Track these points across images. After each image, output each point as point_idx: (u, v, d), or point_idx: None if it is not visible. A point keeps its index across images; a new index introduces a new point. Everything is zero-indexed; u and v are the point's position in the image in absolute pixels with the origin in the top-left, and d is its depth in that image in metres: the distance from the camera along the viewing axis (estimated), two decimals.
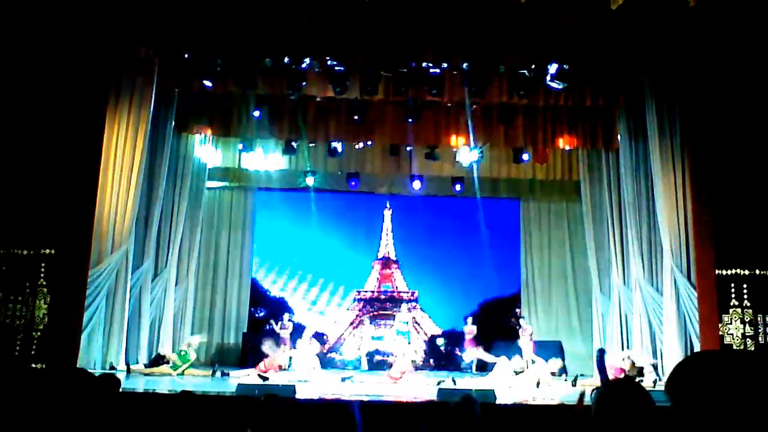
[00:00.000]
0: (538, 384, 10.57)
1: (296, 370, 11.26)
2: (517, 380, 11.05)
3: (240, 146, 14.15)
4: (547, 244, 15.76)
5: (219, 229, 15.42)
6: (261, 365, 11.42)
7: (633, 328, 12.40)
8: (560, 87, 10.95)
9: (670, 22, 9.51)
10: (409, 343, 13.43)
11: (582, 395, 2.34)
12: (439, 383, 10.48)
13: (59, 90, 10.11)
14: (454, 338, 16.48)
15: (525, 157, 13.79)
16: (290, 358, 11.85)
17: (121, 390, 7.78)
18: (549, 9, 8.56)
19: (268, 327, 14.25)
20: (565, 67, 10.90)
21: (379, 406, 7.26)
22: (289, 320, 13.95)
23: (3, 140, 9.99)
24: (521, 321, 14.13)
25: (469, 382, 11.22)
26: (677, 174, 11.30)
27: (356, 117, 12.49)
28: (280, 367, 11.60)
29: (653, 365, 11.49)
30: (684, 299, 11.01)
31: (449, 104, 12.64)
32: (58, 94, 10.10)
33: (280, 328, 13.63)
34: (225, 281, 15.31)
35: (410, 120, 12.42)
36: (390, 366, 12.26)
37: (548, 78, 10.86)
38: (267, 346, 11.70)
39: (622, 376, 11.12)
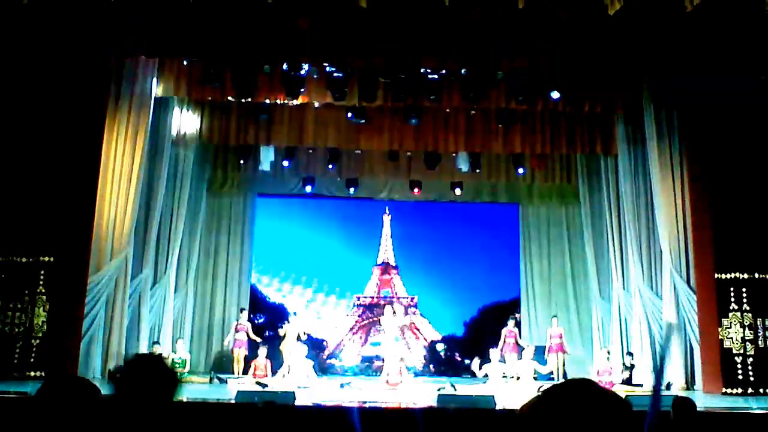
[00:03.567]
0: (539, 389, 10.53)
1: (293, 377, 11.22)
2: (517, 385, 11.03)
3: (240, 153, 14.17)
4: (546, 248, 15.75)
5: (218, 236, 15.41)
6: (253, 370, 11.50)
7: (633, 333, 12.39)
8: (559, 96, 11.13)
9: (667, 26, 9.53)
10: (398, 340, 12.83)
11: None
12: (439, 389, 10.46)
13: (58, 97, 10.12)
14: (454, 343, 16.46)
15: (520, 170, 13.94)
16: (288, 366, 11.71)
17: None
18: (548, 9, 8.56)
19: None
20: (564, 72, 10.96)
21: (379, 413, 7.24)
22: (248, 320, 13.17)
23: (2, 148, 9.99)
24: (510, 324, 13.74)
25: (469, 388, 11.20)
26: (676, 178, 11.32)
27: (355, 123, 12.52)
28: (271, 371, 11.57)
29: (630, 354, 11.83)
30: (683, 303, 11.01)
31: (448, 110, 12.66)
32: (56, 101, 10.11)
33: (236, 330, 12.88)
34: (224, 288, 15.27)
35: (411, 122, 12.44)
36: (379, 372, 12.21)
37: (551, 93, 11.04)
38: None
39: (611, 377, 11.16)
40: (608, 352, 11.86)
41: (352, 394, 9.84)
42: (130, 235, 11.30)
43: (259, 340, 12.65)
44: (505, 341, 12.95)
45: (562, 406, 1.32)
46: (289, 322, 12.36)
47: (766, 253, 10.23)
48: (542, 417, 1.33)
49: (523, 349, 12.07)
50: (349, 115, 12.28)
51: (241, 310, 13.64)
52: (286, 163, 14.22)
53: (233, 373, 12.31)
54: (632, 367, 11.65)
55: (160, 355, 2.00)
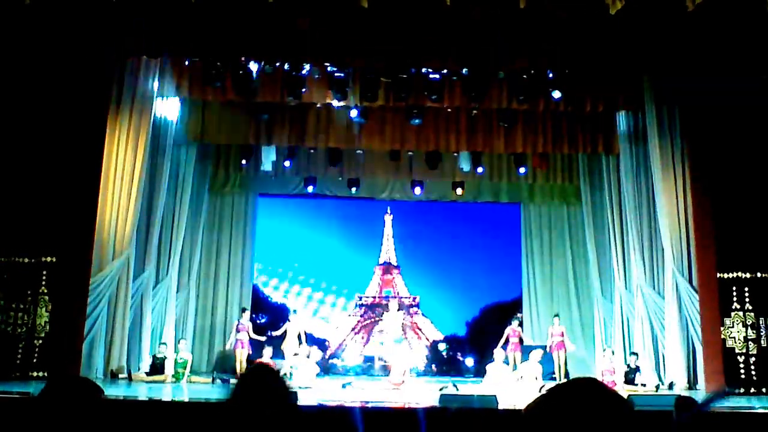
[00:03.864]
0: (541, 389, 10.54)
1: (296, 378, 11.21)
2: (519, 385, 11.03)
3: (241, 153, 14.18)
4: (548, 248, 15.75)
5: (220, 236, 15.42)
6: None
7: (635, 332, 12.38)
8: (560, 96, 11.12)
9: (668, 26, 9.52)
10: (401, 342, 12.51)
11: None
12: (441, 389, 10.46)
13: (59, 97, 10.12)
14: (456, 343, 16.46)
15: (522, 170, 13.93)
16: (291, 366, 11.70)
17: (122, 398, 7.79)
18: (549, 8, 8.56)
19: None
20: (566, 72, 10.96)
21: (381, 413, 7.24)
22: (250, 320, 12.99)
23: (4, 148, 10.00)
24: (514, 323, 13.67)
25: (471, 387, 11.20)
26: (678, 177, 11.30)
27: (357, 122, 12.54)
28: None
29: (634, 354, 11.68)
30: (686, 303, 11.00)
31: (449, 109, 12.66)
32: (58, 101, 10.11)
33: (237, 330, 12.60)
34: (226, 288, 15.29)
35: (414, 124, 12.44)
36: (388, 371, 12.12)
37: (552, 92, 11.03)
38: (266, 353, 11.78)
39: (613, 376, 11.13)
40: (612, 353, 11.84)
41: (354, 394, 9.85)
42: (132, 235, 11.31)
43: (262, 338, 12.60)
44: (508, 340, 12.90)
45: (566, 406, 1.33)
46: (289, 321, 12.35)
47: None
48: (546, 417, 1.33)
49: (531, 350, 12.06)
50: (355, 113, 12.27)
51: (243, 310, 13.61)
52: (287, 163, 14.22)
53: (236, 373, 12.31)
54: (637, 368, 11.55)
55: (272, 366, 1.98)
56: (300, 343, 12.07)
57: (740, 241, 10.25)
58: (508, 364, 12.16)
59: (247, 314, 13.13)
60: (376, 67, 11.08)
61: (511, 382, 11.19)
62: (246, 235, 15.70)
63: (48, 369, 9.56)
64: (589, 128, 13.04)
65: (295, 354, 11.75)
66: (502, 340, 12.82)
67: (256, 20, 9.93)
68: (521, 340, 13.14)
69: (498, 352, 11.75)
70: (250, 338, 12.67)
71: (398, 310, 12.13)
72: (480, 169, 14.09)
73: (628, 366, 11.63)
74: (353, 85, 11.35)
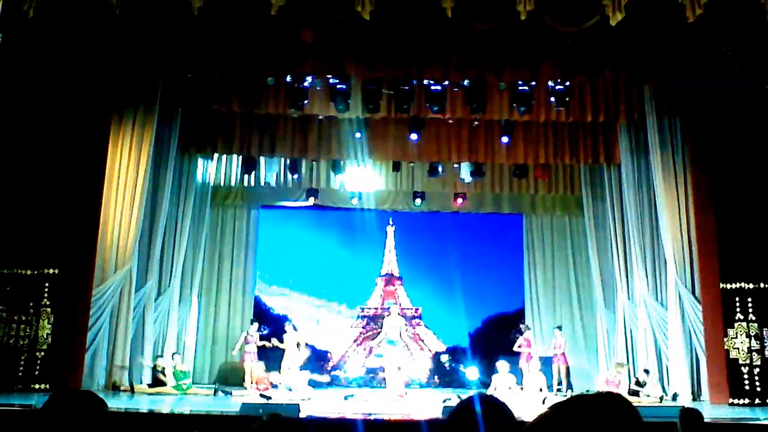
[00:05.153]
0: (544, 400, 10.49)
1: (293, 389, 11.17)
2: (521, 395, 10.99)
3: (243, 164, 14.21)
4: (550, 259, 15.73)
5: (222, 247, 15.42)
6: (254, 384, 11.47)
7: (638, 343, 12.33)
8: (563, 108, 11.14)
9: (670, 36, 9.55)
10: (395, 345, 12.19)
11: None
12: (444, 401, 10.41)
13: (63, 110, 10.16)
14: (459, 354, 16.40)
15: (524, 181, 13.95)
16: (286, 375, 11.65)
17: (124, 410, 7.77)
18: (549, 20, 8.59)
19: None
20: (566, 83, 10.98)
21: (383, 425, 7.22)
22: (258, 331, 12.96)
23: (7, 160, 10.04)
24: (522, 329, 13.59)
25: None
26: (680, 187, 11.30)
27: (358, 134, 12.59)
28: (271, 384, 11.54)
29: (646, 372, 11.44)
30: (689, 313, 10.96)
31: (451, 120, 12.69)
32: (61, 113, 10.16)
33: (245, 342, 12.58)
34: (228, 299, 15.27)
35: (412, 137, 12.48)
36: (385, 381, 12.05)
37: (553, 100, 11.05)
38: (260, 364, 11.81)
39: (617, 389, 11.03)
40: (621, 365, 11.68)
41: (357, 406, 9.81)
42: (134, 246, 11.32)
43: (269, 345, 12.51)
44: (521, 349, 12.80)
45: (574, 421, 1.31)
46: (286, 332, 12.31)
47: None
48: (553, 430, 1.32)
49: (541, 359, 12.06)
50: (358, 135, 12.37)
51: (252, 321, 13.61)
52: (289, 175, 14.24)
53: (243, 385, 12.27)
54: (644, 384, 11.37)
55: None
56: (299, 348, 12.05)
57: (743, 251, 10.22)
58: (523, 375, 12.08)
59: (255, 326, 13.15)
60: (379, 79, 11.12)
61: (516, 393, 11.13)
62: (248, 247, 15.70)
63: (50, 381, 9.54)
64: (590, 138, 13.06)
65: (289, 368, 11.70)
66: (516, 349, 12.74)
67: (259, 33, 9.98)
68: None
69: (501, 364, 11.68)
70: (258, 349, 12.68)
71: (398, 315, 12.10)
72: (481, 179, 14.02)
73: (637, 381, 11.46)
74: (355, 97, 11.39)
